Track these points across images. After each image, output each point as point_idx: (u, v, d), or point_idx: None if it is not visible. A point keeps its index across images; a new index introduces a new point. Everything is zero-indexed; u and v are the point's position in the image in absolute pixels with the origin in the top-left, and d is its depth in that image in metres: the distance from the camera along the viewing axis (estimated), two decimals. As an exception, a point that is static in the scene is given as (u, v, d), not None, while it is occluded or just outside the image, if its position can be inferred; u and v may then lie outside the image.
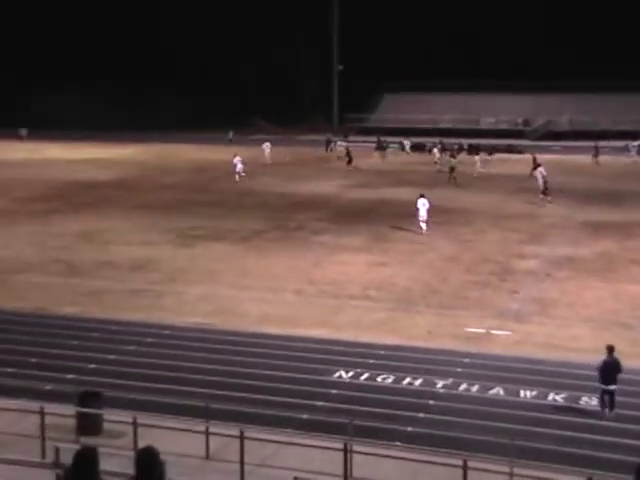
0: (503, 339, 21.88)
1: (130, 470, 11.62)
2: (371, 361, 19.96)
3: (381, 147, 70.22)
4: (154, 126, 76.93)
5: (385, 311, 24.19)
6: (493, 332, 22.37)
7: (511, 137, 75.72)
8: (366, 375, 19.15)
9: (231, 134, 75.30)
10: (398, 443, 15.29)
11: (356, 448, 14.13)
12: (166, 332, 22.14)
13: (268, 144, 64.22)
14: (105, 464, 8.15)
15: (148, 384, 18.22)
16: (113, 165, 59.68)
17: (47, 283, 27.05)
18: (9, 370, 18.95)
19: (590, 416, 16.98)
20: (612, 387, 16.91)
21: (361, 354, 20.42)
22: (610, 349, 17.21)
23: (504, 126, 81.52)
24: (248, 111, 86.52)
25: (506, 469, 13.42)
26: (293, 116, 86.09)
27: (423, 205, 35.48)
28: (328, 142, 70.07)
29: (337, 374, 19.21)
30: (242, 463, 13.88)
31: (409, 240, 34.10)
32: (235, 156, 53.30)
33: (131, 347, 21.01)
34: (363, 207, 42.39)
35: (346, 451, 13.95)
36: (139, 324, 22.77)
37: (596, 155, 62.12)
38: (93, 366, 19.64)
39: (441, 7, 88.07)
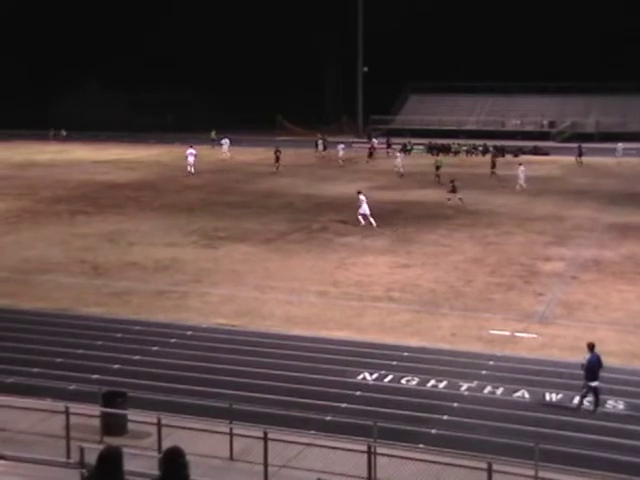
0: (528, 342, 21.72)
1: (154, 470, 11.67)
2: (395, 363, 19.89)
3: (405, 149, 70.09)
4: (179, 128, 77.23)
5: (409, 313, 24.10)
6: (518, 335, 22.21)
7: (537, 139, 75.22)
8: (390, 377, 19.09)
9: (213, 133, 75.98)
10: (422, 445, 15.21)
11: (380, 450, 14.08)
12: (190, 333, 22.21)
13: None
14: (129, 464, 8.17)
15: (172, 385, 18.27)
16: (138, 166, 59.99)
17: (72, 283, 27.21)
18: (34, 370, 19.09)
19: (616, 420, 16.81)
20: (596, 383, 17.00)
21: (385, 356, 20.35)
22: (591, 346, 17.37)
23: (530, 128, 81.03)
24: (272, 112, 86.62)
25: (531, 472, 13.32)
26: (318, 118, 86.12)
27: (363, 201, 37.50)
28: (318, 143, 68.68)
29: (361, 376, 19.16)
30: (266, 464, 13.88)
31: (433, 242, 33.97)
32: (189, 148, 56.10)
33: (155, 348, 21.08)
34: (387, 209, 42.26)
35: (370, 453, 13.91)
36: (163, 325, 22.85)
37: (580, 155, 62.19)
38: (117, 366, 19.73)
39: (467, 8, 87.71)
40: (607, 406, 17.54)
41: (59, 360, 19.94)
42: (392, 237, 34.89)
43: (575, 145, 64.89)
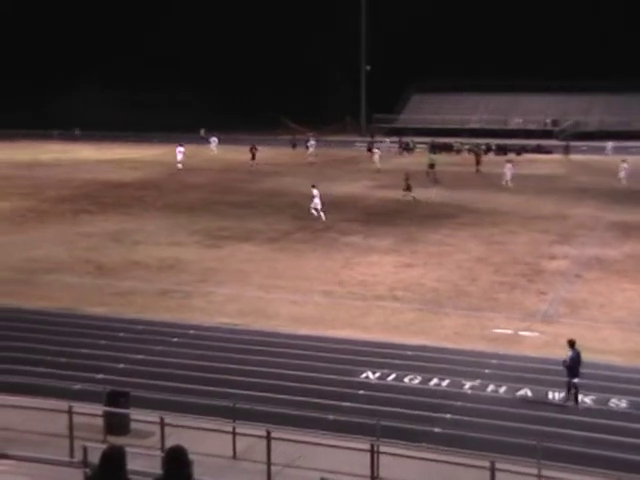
0: (532, 340, 21.72)
1: (157, 470, 11.70)
2: (398, 362, 19.91)
3: (407, 147, 70.13)
4: (182, 127, 77.11)
5: (413, 312, 24.12)
6: (521, 333, 22.22)
7: (540, 137, 75.15)
8: (393, 376, 19.11)
9: (203, 131, 75.84)
10: (425, 444, 15.23)
11: (383, 449, 14.12)
12: (194, 332, 22.25)
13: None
14: (132, 464, 8.19)
15: (176, 384, 18.30)
16: (141, 166, 60.04)
17: (76, 283, 27.27)
18: (38, 370, 19.13)
19: (619, 418, 16.81)
20: (577, 380, 17.18)
21: (388, 355, 20.38)
22: (572, 343, 17.52)
23: (532, 126, 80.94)
24: (276, 112, 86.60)
25: (534, 471, 13.34)
26: (321, 117, 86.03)
27: (316, 195, 38.55)
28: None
29: (364, 375, 19.19)
30: (269, 463, 13.91)
31: (438, 241, 33.97)
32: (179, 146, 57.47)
33: (159, 347, 21.12)
34: (391, 208, 42.29)
35: (373, 452, 13.95)
36: (167, 324, 22.89)
37: (567, 153, 63.26)
38: (121, 366, 19.77)
39: (470, 6, 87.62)
40: (610, 404, 17.55)
41: (63, 359, 19.99)
42: (396, 237, 34.89)
43: (565, 143, 65.55)
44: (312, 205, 38.68)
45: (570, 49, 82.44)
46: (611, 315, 23.78)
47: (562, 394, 17.55)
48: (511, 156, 63.67)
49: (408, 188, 43.89)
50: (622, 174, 49.46)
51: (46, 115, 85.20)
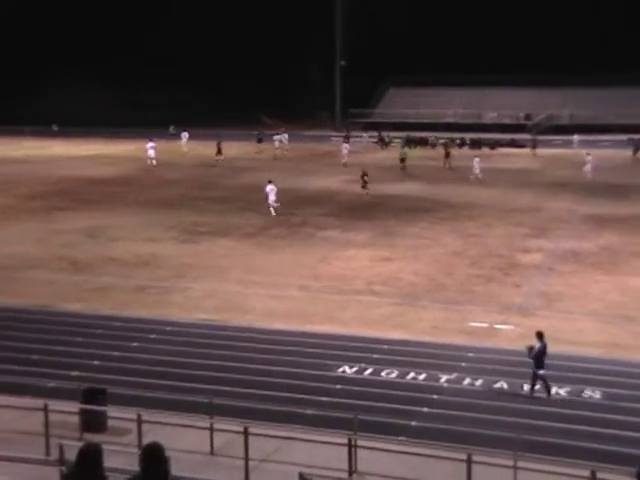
0: (508, 333, 21.84)
1: (135, 467, 11.63)
2: (375, 356, 19.96)
3: (383, 142, 70.24)
4: (158, 123, 76.66)
5: (390, 306, 24.18)
6: (498, 326, 22.34)
7: (514, 131, 75.48)
8: (370, 370, 19.15)
9: (172, 128, 75.73)
10: (402, 438, 15.28)
11: (360, 443, 14.15)
12: (170, 328, 22.16)
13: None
14: (110, 461, 8.15)
15: (153, 381, 18.24)
16: (116, 162, 59.67)
17: (51, 280, 27.08)
18: (14, 367, 18.96)
19: (594, 409, 16.96)
20: (543, 371, 17.37)
21: (365, 349, 20.42)
22: (540, 335, 17.71)
23: (507, 120, 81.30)
24: (253, 107, 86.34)
25: (510, 462, 13.42)
26: (297, 112, 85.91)
27: (271, 190, 38.80)
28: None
29: (341, 369, 19.22)
30: (247, 459, 13.90)
31: (415, 235, 34.07)
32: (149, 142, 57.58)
33: (135, 344, 21.03)
34: (368, 202, 42.35)
35: (350, 446, 13.97)
36: (143, 320, 22.79)
37: (534, 147, 63.91)
38: (97, 363, 19.66)
39: (444, 2, 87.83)
40: (584, 395, 17.70)
41: (38, 357, 19.85)
42: (373, 231, 34.94)
43: (552, 137, 65.80)
44: (269, 201, 38.77)
45: (542, 43, 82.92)
46: (586, 307, 23.97)
47: (529, 386, 17.68)
48: (485, 150, 64.48)
49: (365, 185, 44.08)
50: (587, 167, 50.07)
51: (17, 112, 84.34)
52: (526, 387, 17.93)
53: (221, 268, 28.63)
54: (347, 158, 58.13)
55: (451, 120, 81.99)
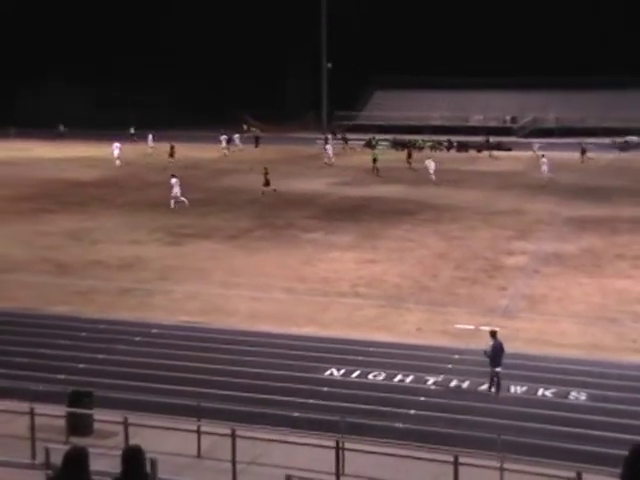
0: (492, 335, 21.89)
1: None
2: (362, 358, 19.98)
3: (370, 145, 70.30)
4: (142, 125, 76.28)
5: (375, 308, 24.23)
6: (482, 328, 22.39)
7: (500, 134, 75.77)
8: (357, 372, 19.18)
9: (132, 129, 75.48)
10: (389, 440, 15.31)
11: (348, 445, 14.16)
12: (155, 331, 22.12)
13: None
14: (96, 464, 8.15)
15: (139, 383, 18.18)
16: (100, 164, 59.35)
17: (36, 282, 26.94)
18: (-1, 370, 18.87)
19: (579, 411, 17.07)
20: (499, 369, 17.67)
21: (352, 351, 20.44)
22: (493, 333, 18.18)
23: (493, 123, 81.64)
24: (235, 108, 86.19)
25: (497, 464, 13.48)
26: (283, 114, 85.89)
27: (176, 183, 41.18)
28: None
29: (328, 372, 19.23)
30: (234, 461, 13.90)
31: (398, 237, 34.15)
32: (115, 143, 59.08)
33: (121, 346, 20.96)
34: (352, 204, 42.42)
35: (338, 448, 13.99)
36: (128, 323, 22.72)
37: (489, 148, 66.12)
38: (83, 366, 19.59)
39: (431, 4, 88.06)
40: (570, 397, 17.81)
41: (23, 360, 19.71)
42: (357, 233, 34.99)
43: (537, 140, 66.26)
44: (172, 195, 40.65)
45: (529, 46, 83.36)
46: (569, 309, 24.12)
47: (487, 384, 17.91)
48: (471, 153, 64.74)
49: (267, 183, 44.67)
50: (544, 168, 51.23)
51: (15, 114, 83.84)
52: (518, 389, 18.06)
53: (205, 270, 28.59)
54: (334, 159, 59.56)
55: (437, 123, 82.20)
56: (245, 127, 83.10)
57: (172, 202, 40.59)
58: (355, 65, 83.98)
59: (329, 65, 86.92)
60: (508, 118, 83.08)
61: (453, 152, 68.27)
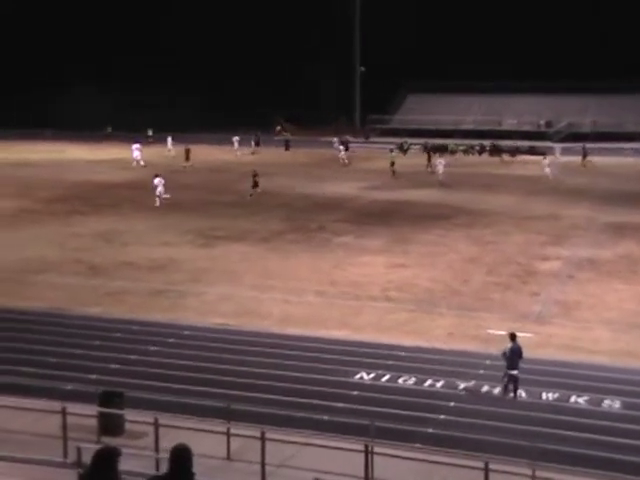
0: (524, 341, 21.56)
1: (151, 470, 11.68)
2: (392, 362, 19.91)
3: (402, 149, 70.13)
4: (173, 127, 76.65)
5: (406, 312, 24.13)
6: (518, 334, 22.18)
7: (534, 139, 75.08)
8: (387, 377, 19.11)
9: (150, 132, 75.75)
10: (419, 445, 15.23)
11: (377, 450, 14.10)
12: (187, 332, 22.20)
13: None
14: (126, 464, 8.17)
15: (170, 384, 18.27)
16: (132, 166, 59.80)
17: (68, 283, 27.19)
18: (31, 370, 19.05)
19: (613, 419, 16.84)
20: (515, 372, 17.54)
21: (382, 355, 20.37)
22: (513, 336, 18.04)
23: (527, 127, 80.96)
24: (271, 112, 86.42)
25: (528, 472, 13.34)
26: (316, 118, 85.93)
27: (160, 182, 42.79)
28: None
29: (358, 375, 19.18)
30: (263, 464, 13.89)
31: (430, 242, 33.98)
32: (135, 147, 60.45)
33: (153, 347, 21.07)
34: (383, 208, 42.30)
35: (367, 452, 13.93)
36: (161, 324, 22.84)
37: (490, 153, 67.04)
38: (115, 366, 19.72)
39: (464, 8, 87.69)
40: (604, 405, 17.58)
41: (56, 360, 19.92)
42: (388, 237, 34.88)
43: (573, 145, 65.64)
44: (156, 193, 42.20)
45: (564, 50, 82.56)
46: (602, 316, 23.83)
47: (514, 389, 17.78)
48: (505, 157, 64.30)
49: (255, 185, 45.14)
50: (547, 170, 51.74)
51: (33, 115, 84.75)
52: (550, 396, 17.88)
53: (237, 273, 28.66)
54: (347, 160, 62.29)
55: (470, 127, 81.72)
56: (278, 128, 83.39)
57: (157, 200, 42.03)
58: (388, 69, 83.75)
59: (362, 69, 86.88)
60: (542, 122, 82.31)
61: (485, 156, 67.76)
